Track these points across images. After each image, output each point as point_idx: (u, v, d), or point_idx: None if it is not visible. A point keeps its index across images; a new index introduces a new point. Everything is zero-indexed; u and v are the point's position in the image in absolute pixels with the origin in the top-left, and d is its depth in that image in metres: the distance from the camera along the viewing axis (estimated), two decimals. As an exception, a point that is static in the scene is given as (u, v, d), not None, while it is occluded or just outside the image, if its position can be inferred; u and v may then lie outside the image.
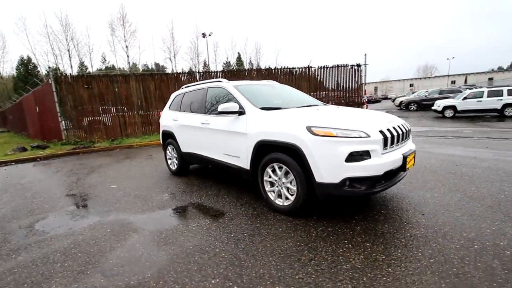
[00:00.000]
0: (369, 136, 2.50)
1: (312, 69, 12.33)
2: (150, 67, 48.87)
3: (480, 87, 14.61)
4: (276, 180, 3.02)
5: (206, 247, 2.46)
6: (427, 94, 19.58)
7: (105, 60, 44.08)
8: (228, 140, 3.57)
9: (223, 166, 3.79)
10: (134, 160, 6.93)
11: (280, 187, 2.99)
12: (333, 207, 3.12)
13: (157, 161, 6.63)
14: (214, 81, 4.23)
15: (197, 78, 11.55)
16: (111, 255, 2.44)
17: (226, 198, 3.70)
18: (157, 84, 11.17)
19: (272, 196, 3.11)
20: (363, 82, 12.13)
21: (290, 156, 2.80)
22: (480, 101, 13.06)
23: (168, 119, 5.04)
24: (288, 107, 3.51)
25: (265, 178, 3.14)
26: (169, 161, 5.29)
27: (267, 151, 3.07)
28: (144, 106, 11.12)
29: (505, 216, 2.67)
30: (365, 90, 12.40)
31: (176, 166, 5.02)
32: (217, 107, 3.79)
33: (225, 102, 3.60)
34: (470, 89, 18.09)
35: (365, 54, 11.94)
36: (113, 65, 42.87)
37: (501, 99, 12.55)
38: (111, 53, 40.64)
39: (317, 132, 2.57)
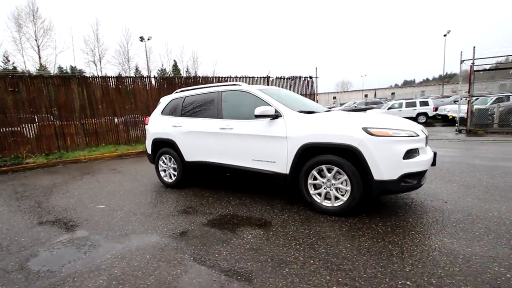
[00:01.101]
0: (418, 135, 2.81)
1: (271, 79, 12.86)
2: (66, 71, 42.18)
3: (399, 100, 17.75)
4: (323, 182, 3.05)
5: (285, 257, 2.29)
6: (356, 105, 22.63)
7: (8, 61, 36.01)
8: (261, 145, 3.42)
9: (250, 173, 3.60)
10: (97, 176, 5.86)
11: (329, 189, 3.02)
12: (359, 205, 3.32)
13: (129, 175, 5.78)
14: (229, 85, 4.01)
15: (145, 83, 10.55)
16: (182, 282, 2.03)
17: (256, 205, 3.51)
18: (106, 89, 9.78)
19: (318, 198, 3.11)
20: (315, 92, 13.29)
21: (343, 156, 2.88)
22: (400, 110, 15.82)
23: (164, 125, 4.50)
24: (318, 111, 3.62)
25: (310, 181, 3.13)
26: (162, 173, 4.69)
27: (312, 154, 3.08)
28: (89, 113, 9.56)
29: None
30: (317, 100, 13.58)
31: (174, 178, 4.49)
32: (241, 111, 3.66)
33: (259, 106, 3.41)
34: (389, 101, 21.80)
35: (316, 68, 13.17)
36: (14, 66, 35.29)
37: (415, 109, 15.51)
38: (17, 52, 33.15)
39: (375, 133, 2.73)
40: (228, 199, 3.84)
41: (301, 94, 12.68)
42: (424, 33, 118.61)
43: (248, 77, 12.15)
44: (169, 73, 46.85)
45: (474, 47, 10.19)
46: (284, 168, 3.27)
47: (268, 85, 12.39)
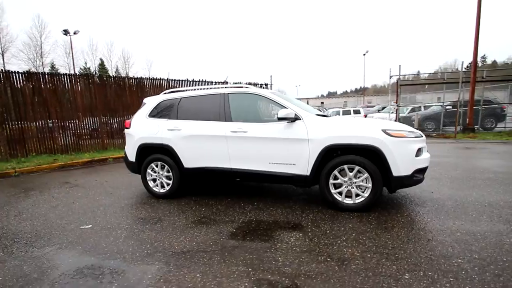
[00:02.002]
0: (422, 136, 3.27)
1: (228, 84, 12.77)
2: None
3: (337, 108, 19.96)
4: (344, 181, 3.24)
5: (341, 255, 2.35)
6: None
7: None
8: (279, 148, 3.41)
9: (266, 176, 3.54)
10: (49, 192, 4.80)
11: (350, 187, 3.23)
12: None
13: (95, 188, 4.94)
14: (236, 87, 3.89)
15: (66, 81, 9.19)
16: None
17: (274, 209, 3.46)
18: (38, 88, 8.10)
19: (339, 197, 3.28)
20: None
21: (364, 156, 3.14)
22: (339, 117, 17.81)
23: (156, 129, 4.02)
24: (327, 115, 3.84)
25: (331, 181, 3.28)
26: (151, 183, 4.16)
27: (334, 155, 3.25)
28: (14, 116, 7.74)
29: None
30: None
31: (168, 187, 4.04)
32: (253, 114, 3.64)
33: (278, 109, 3.44)
34: (325, 109, 24.18)
35: (271, 76, 13.70)
36: None
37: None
38: None
39: (393, 134, 3.07)
40: (240, 205, 3.68)
41: (257, 100, 13.05)
42: (344, 50, 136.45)
43: (205, 81, 11.83)
44: (94, 72, 41.54)
45: (400, 65, 12.31)
46: (305, 170, 3.34)
47: (225, 90, 12.31)
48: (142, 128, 4.17)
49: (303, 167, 3.34)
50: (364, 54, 35.27)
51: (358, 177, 3.19)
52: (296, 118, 3.35)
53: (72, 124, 8.90)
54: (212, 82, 11.93)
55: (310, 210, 3.40)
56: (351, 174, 3.20)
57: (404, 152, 3.05)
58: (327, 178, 3.28)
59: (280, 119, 3.30)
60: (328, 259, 2.29)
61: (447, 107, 12.70)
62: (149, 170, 4.15)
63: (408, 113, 14.47)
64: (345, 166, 3.20)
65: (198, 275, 2.15)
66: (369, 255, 2.33)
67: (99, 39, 60.12)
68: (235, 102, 3.77)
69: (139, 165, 4.21)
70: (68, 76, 8.86)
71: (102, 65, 44.88)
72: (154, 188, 4.16)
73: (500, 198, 3.56)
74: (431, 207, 3.32)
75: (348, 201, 3.26)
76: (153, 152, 4.11)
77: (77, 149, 8.86)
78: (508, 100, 13.15)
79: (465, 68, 15.17)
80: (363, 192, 3.21)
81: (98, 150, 9.12)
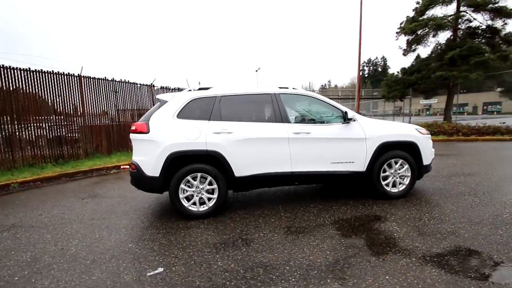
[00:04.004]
0: (430, 134, 4.24)
1: (155, 87, 11.11)
2: None
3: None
4: (391, 173, 3.77)
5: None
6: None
7: None
8: (341, 147, 3.57)
9: (326, 176, 3.60)
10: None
11: (395, 178, 3.79)
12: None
13: (104, 203, 3.39)
14: (282, 87, 3.72)
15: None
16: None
17: (342, 208, 3.54)
18: None
19: (387, 188, 3.77)
20: None
21: (405, 151, 3.78)
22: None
23: (196, 132, 3.25)
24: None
25: (382, 174, 3.73)
26: (185, 202, 3.29)
27: (384, 152, 3.73)
28: None
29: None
30: None
31: (210, 204, 3.33)
32: (308, 115, 3.70)
33: (329, 110, 3.65)
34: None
35: (199, 82, 12.94)
36: None
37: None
38: None
39: (422, 132, 3.87)
40: (301, 209, 3.52)
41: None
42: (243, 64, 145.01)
43: (129, 82, 9.98)
44: None
45: (310, 81, 14.69)
46: (362, 166, 3.65)
47: (152, 92, 10.82)
48: (171, 132, 3.26)
49: (361, 164, 3.64)
50: (257, 71, 39.14)
51: (401, 169, 3.80)
52: (352, 119, 3.63)
53: None
54: (136, 83, 10.20)
55: (375, 202, 3.66)
56: (396, 166, 3.77)
57: (428, 145, 3.91)
58: (378, 172, 3.71)
59: (348, 120, 3.50)
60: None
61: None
62: (182, 186, 3.27)
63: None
64: (393, 160, 3.74)
65: (386, 278, 2.05)
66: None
67: None
68: (287, 103, 3.63)
69: (166, 181, 3.25)
70: None
71: None
72: (190, 208, 3.31)
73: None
74: (441, 195, 4.36)
75: (394, 190, 3.81)
76: (191, 162, 3.29)
77: None
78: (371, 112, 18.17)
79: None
80: (403, 180, 3.84)
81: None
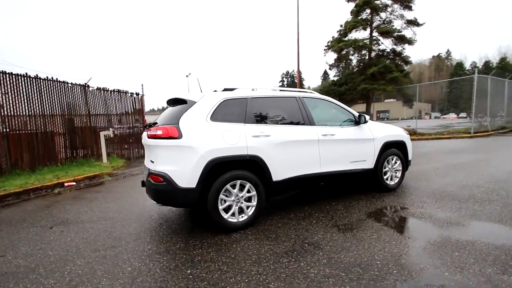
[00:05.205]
0: None
1: (90, 88, 9.22)
2: None
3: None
4: (390, 168, 4.31)
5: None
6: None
7: None
8: (357, 148, 3.88)
9: (344, 175, 3.83)
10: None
11: (392, 172, 4.35)
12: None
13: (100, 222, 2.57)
14: (301, 91, 3.81)
15: None
16: None
17: (359, 201, 3.81)
18: None
19: (388, 181, 4.29)
20: (144, 110, 11.45)
21: (398, 149, 4.40)
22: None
23: (237, 136, 2.96)
24: None
25: (383, 169, 4.23)
26: (224, 213, 2.94)
27: (385, 150, 4.23)
28: None
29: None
30: (145, 119, 11.71)
31: (251, 212, 3.09)
32: (327, 117, 3.98)
33: (343, 114, 4.01)
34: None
35: (142, 85, 11.42)
36: None
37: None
38: None
39: (406, 133, 4.58)
40: (327, 209, 3.63)
41: (129, 111, 10.73)
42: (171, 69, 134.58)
43: (59, 81, 8.15)
44: None
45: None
46: (371, 164, 4.05)
47: (87, 94, 9.12)
48: (209, 136, 2.87)
49: (371, 161, 4.04)
50: (187, 76, 37.50)
51: (395, 164, 4.38)
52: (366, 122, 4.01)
53: None
54: (67, 83, 8.40)
55: (379, 195, 4.08)
56: (392, 162, 4.34)
57: (410, 144, 4.65)
58: (381, 168, 4.19)
59: (364, 122, 3.86)
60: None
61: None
62: (222, 196, 2.93)
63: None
64: (390, 157, 4.29)
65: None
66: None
67: None
68: (310, 106, 3.72)
69: (203, 192, 2.84)
70: None
71: None
72: (230, 219, 2.97)
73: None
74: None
75: (391, 182, 4.35)
76: (230, 169, 2.97)
77: None
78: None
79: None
80: (396, 174, 4.44)
81: None
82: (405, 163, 4.49)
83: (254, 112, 3.26)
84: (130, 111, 10.95)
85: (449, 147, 9.32)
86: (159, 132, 2.84)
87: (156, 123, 3.16)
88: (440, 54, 72.25)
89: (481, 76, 12.97)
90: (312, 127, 3.58)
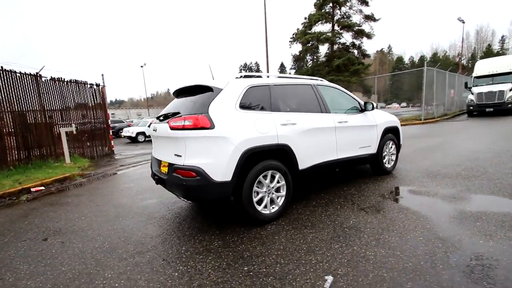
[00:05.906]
0: None
1: (43, 79, 7.83)
2: None
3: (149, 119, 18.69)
4: (387, 152, 4.60)
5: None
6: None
7: None
8: (364, 134, 4.05)
9: (354, 161, 3.98)
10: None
11: (389, 156, 4.65)
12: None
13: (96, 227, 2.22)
14: (313, 79, 3.79)
15: None
16: None
17: (380, 188, 3.99)
18: None
19: (386, 164, 4.58)
20: (106, 103, 10.18)
21: (393, 134, 4.71)
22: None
23: (268, 125, 2.83)
24: None
25: (383, 153, 4.50)
26: (258, 206, 2.82)
27: (384, 135, 4.49)
28: None
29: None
30: (108, 114, 10.41)
31: (281, 203, 3.02)
32: (337, 105, 4.05)
33: (350, 101, 4.13)
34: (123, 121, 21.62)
35: (102, 75, 10.13)
36: None
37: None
38: None
39: (398, 120, 4.93)
40: (344, 195, 3.74)
41: (90, 104, 9.57)
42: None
43: (5, 70, 6.84)
44: None
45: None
46: (374, 149, 4.28)
47: (39, 85, 7.86)
48: (242, 125, 2.69)
49: (374, 147, 4.26)
50: (142, 66, 34.73)
51: (391, 148, 4.70)
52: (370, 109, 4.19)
53: None
54: (15, 72, 7.10)
55: (381, 178, 4.34)
56: (389, 146, 4.64)
57: (400, 128, 5.03)
58: (381, 152, 4.46)
59: (370, 109, 4.01)
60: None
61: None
62: (255, 187, 2.79)
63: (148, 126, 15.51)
64: (387, 142, 4.58)
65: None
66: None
67: None
68: (325, 94, 3.74)
69: (238, 183, 2.68)
70: None
71: None
72: (263, 211, 2.87)
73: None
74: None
75: (389, 166, 4.65)
76: (264, 158, 2.83)
77: None
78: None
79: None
80: (392, 157, 4.76)
81: None
82: (398, 147, 4.85)
83: (277, 99, 3.16)
84: (90, 104, 9.77)
85: (409, 133, 10.31)
86: (188, 123, 2.57)
87: (177, 113, 2.85)
88: (383, 49, 79.46)
89: (429, 68, 14.57)
90: (329, 114, 3.61)
